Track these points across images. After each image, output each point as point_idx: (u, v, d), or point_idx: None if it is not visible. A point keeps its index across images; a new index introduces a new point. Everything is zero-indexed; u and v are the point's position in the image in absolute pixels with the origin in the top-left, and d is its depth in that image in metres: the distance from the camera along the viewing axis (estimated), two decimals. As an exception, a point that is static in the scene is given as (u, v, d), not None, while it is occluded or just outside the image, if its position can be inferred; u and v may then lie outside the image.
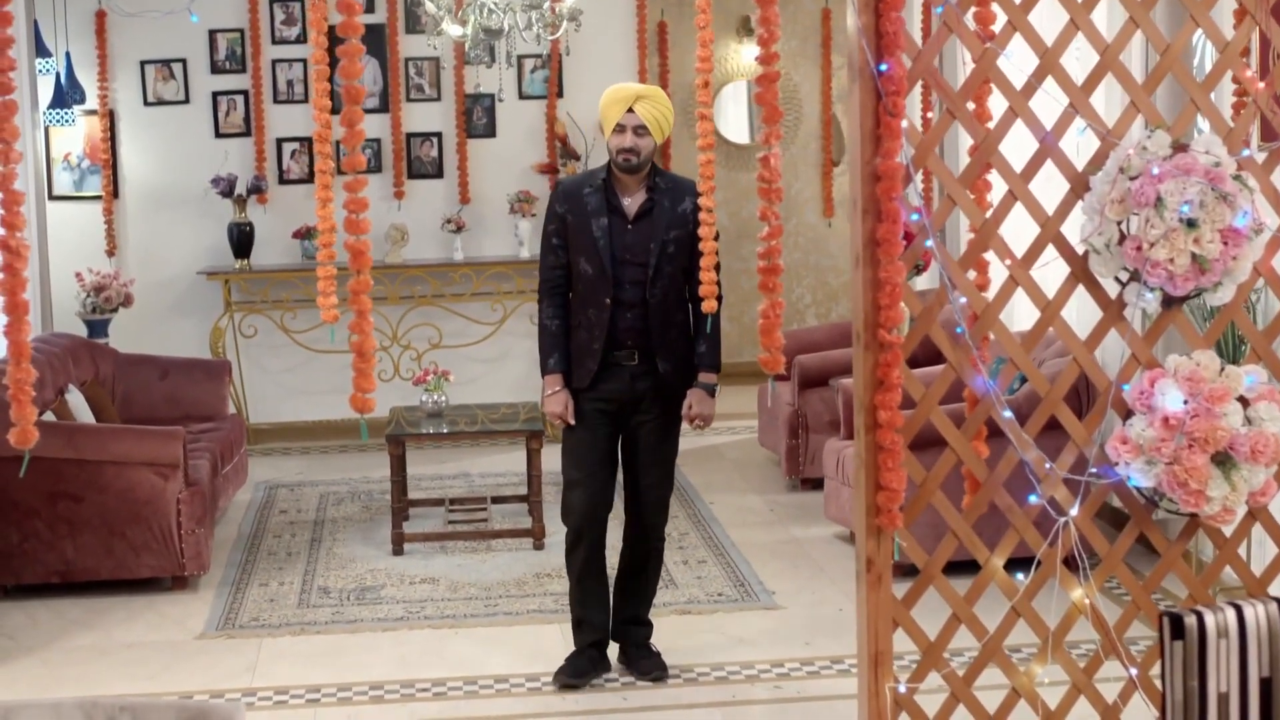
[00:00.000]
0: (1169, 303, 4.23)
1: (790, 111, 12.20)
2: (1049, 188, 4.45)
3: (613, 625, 5.92)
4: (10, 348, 4.03)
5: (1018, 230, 4.43)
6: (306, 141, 10.37)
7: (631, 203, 5.69)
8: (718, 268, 5.43)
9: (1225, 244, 4.12)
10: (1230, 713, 3.70)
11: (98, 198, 10.35)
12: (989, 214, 4.31)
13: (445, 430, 8.00)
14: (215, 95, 10.41)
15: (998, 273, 4.43)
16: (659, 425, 5.77)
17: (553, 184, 10.40)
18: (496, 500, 8.44)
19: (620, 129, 5.59)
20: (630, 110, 5.57)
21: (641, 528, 5.86)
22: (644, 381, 5.69)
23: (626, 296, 5.63)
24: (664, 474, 5.83)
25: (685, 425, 5.77)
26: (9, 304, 4.01)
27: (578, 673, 5.79)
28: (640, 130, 5.58)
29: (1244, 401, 4.18)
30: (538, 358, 5.82)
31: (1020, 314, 7.54)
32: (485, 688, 5.87)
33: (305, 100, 10.34)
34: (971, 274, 4.41)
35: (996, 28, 4.29)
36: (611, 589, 5.94)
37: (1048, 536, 4.27)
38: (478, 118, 10.63)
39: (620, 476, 5.88)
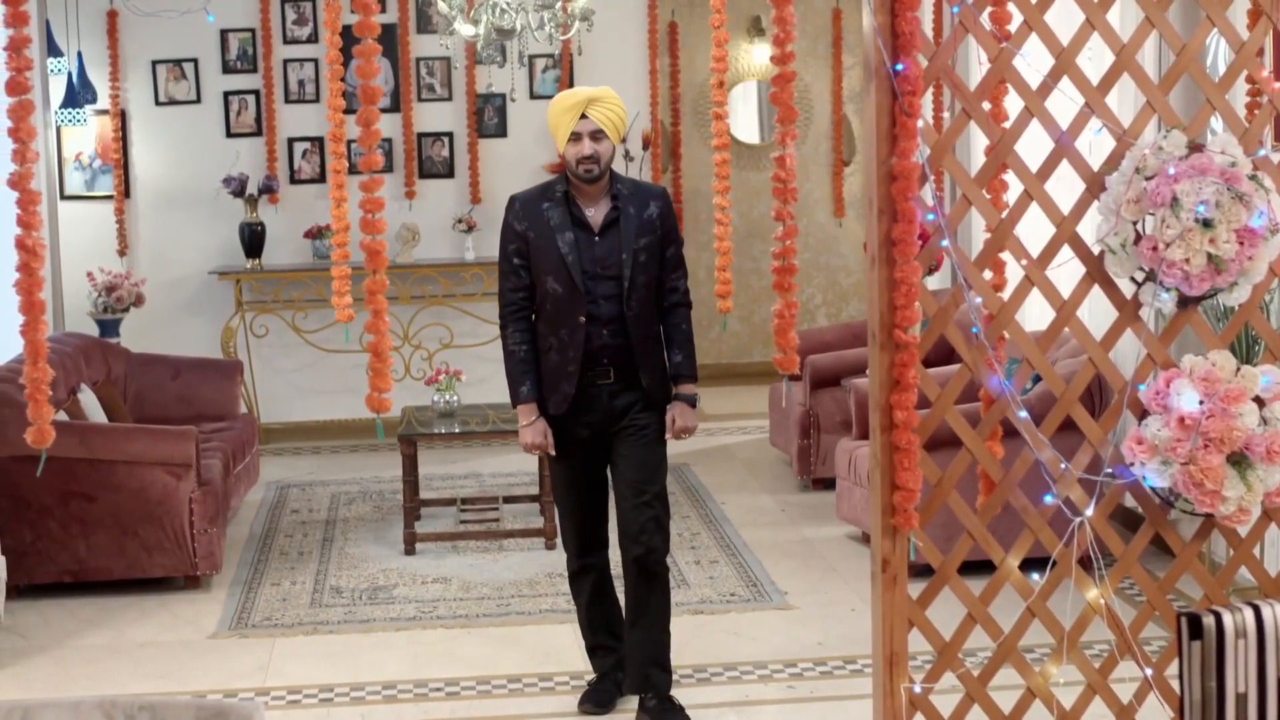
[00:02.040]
0: (1184, 303, 4.22)
1: (801, 111, 12.19)
2: (1063, 188, 4.44)
3: (628, 671, 5.56)
4: (27, 347, 4.04)
5: (1033, 230, 4.43)
6: (318, 141, 10.39)
7: (596, 213, 5.37)
8: (680, 266, 5.43)
9: (1241, 244, 4.11)
10: (1249, 713, 3.69)
11: (109, 197, 10.38)
12: (1005, 214, 4.31)
13: (457, 430, 8.01)
14: (226, 95, 10.43)
15: (1013, 273, 4.43)
16: (644, 443, 5.44)
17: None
18: (508, 500, 8.45)
19: (576, 137, 5.27)
20: (584, 116, 5.26)
21: (640, 551, 5.43)
22: (623, 399, 5.40)
23: (602, 312, 5.32)
24: (657, 492, 5.46)
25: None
26: (25, 303, 4.03)
27: (601, 701, 5.58)
28: (597, 135, 5.27)
29: (1260, 402, 4.17)
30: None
31: (1033, 314, 7.53)
32: (498, 688, 5.88)
33: (317, 100, 10.37)
34: (987, 274, 4.41)
35: (1012, 27, 4.29)
36: (622, 625, 5.65)
37: (1063, 537, 4.26)
38: (489, 117, 10.64)
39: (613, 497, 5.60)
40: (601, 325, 5.34)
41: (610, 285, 5.34)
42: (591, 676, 5.71)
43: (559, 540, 7.50)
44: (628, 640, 5.56)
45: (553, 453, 5.45)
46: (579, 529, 5.59)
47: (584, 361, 5.34)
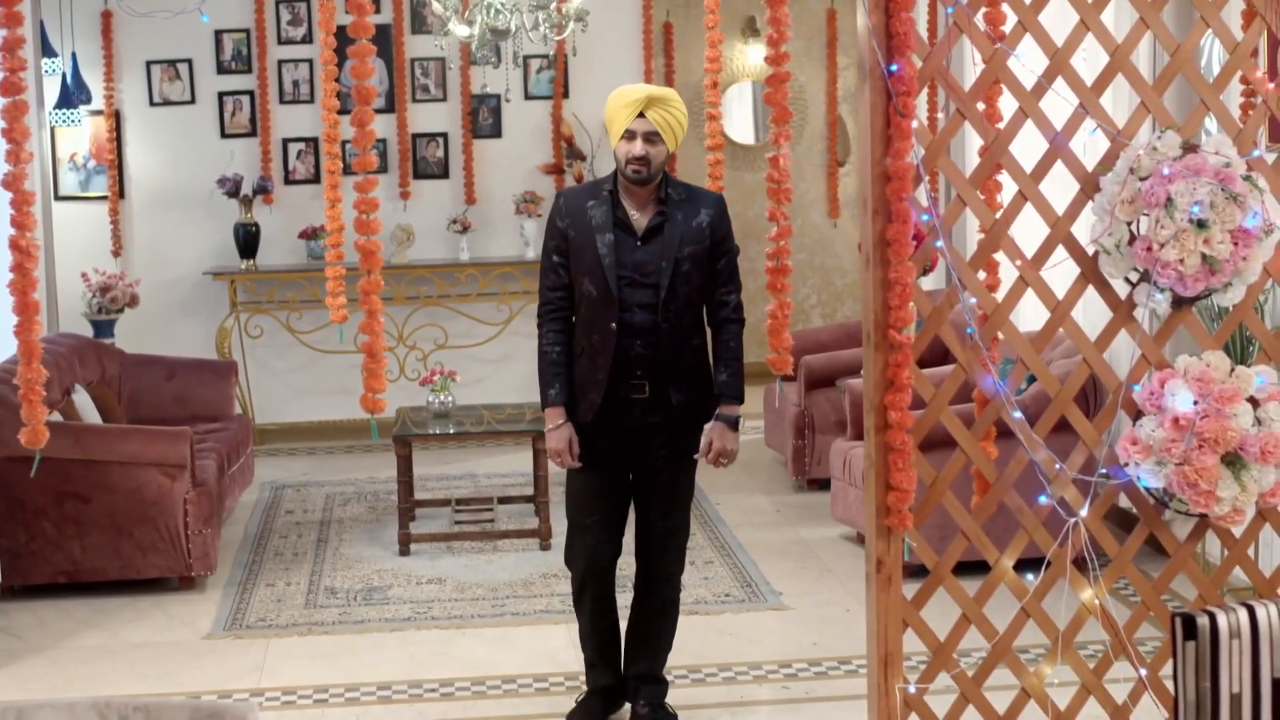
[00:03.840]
0: (1179, 303, 4.23)
1: (796, 112, 12.20)
2: (1058, 188, 4.45)
3: (623, 681, 5.47)
4: (21, 348, 4.04)
5: (1027, 231, 4.43)
6: (312, 142, 10.38)
7: (641, 217, 5.11)
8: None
9: (1235, 244, 4.12)
10: (1243, 713, 3.70)
11: (103, 198, 10.36)
12: (999, 214, 4.31)
13: (451, 431, 8.01)
14: (221, 95, 10.42)
15: (1008, 273, 4.43)
16: (673, 463, 5.22)
17: (559, 184, 10.41)
18: (503, 501, 8.45)
19: (629, 135, 5.01)
20: (641, 115, 4.99)
21: (655, 576, 5.33)
22: (656, 415, 5.13)
23: (635, 321, 5.05)
24: (680, 519, 5.29)
25: (702, 461, 5.25)
26: (19, 304, 4.02)
27: (589, 716, 5.42)
28: (652, 137, 5.01)
29: (1254, 402, 4.18)
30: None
31: (1028, 315, 7.53)
32: (493, 688, 5.87)
33: (311, 100, 10.36)
34: (982, 274, 4.41)
35: (1006, 28, 4.29)
36: (622, 640, 5.48)
37: (1057, 537, 4.27)
38: (483, 118, 10.64)
39: (631, 517, 5.38)
40: (634, 335, 5.06)
41: (648, 294, 5.07)
42: (582, 692, 5.53)
43: (554, 541, 7.55)
44: (626, 650, 5.45)
45: (574, 461, 5.18)
46: (589, 547, 5.29)
47: (614, 371, 5.08)
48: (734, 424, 5.19)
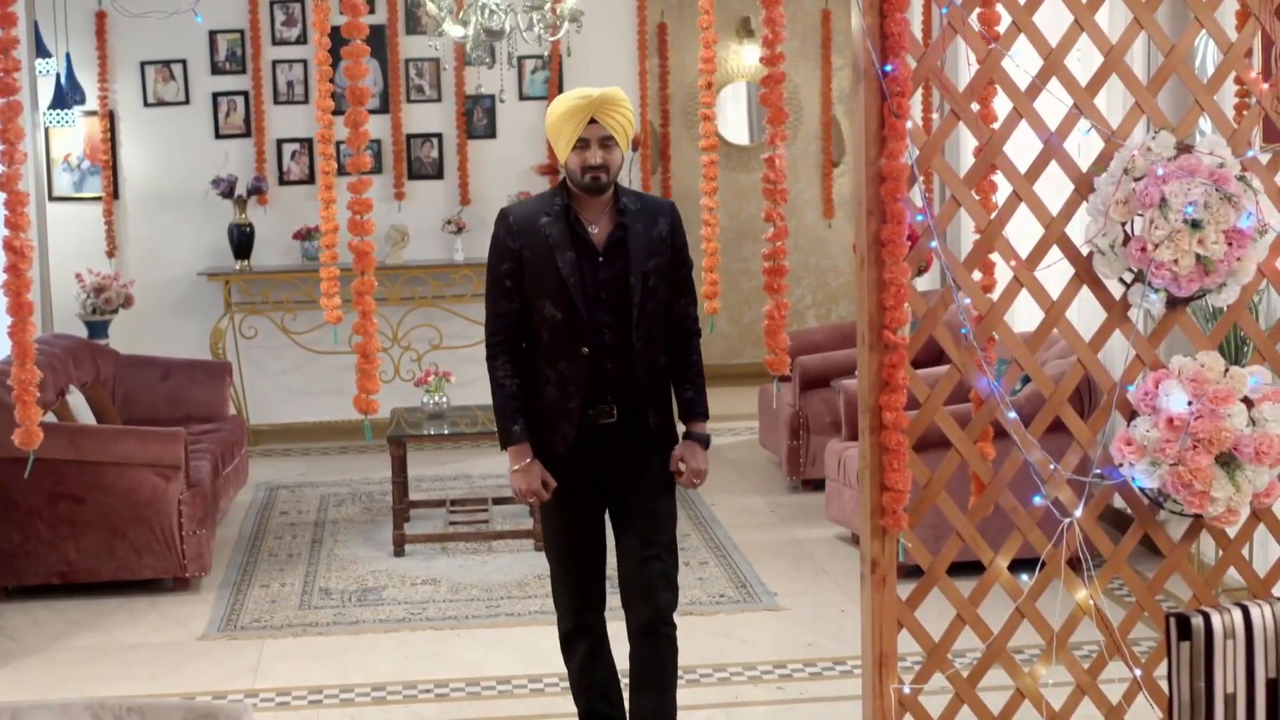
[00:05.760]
0: (1173, 304, 4.23)
1: (790, 112, 12.12)
2: (1052, 189, 4.45)
3: None
4: (15, 349, 4.04)
5: (1022, 231, 4.44)
6: (307, 142, 10.38)
7: (600, 231, 4.73)
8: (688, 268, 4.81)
9: (1229, 245, 4.12)
10: (1237, 713, 3.71)
11: (98, 199, 10.36)
12: (993, 215, 4.31)
13: (446, 431, 8.01)
14: (215, 96, 10.41)
15: (1002, 274, 4.43)
16: (652, 488, 4.82)
17: (553, 185, 10.40)
18: (497, 501, 8.44)
19: (583, 144, 4.64)
20: (592, 121, 4.63)
21: (648, 614, 4.82)
22: (627, 440, 4.76)
23: (607, 342, 4.69)
24: (668, 545, 4.85)
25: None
26: (13, 305, 4.02)
27: None
28: (607, 142, 4.64)
29: (1248, 403, 4.18)
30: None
31: (1022, 315, 7.53)
32: (488, 689, 5.87)
33: (305, 101, 10.35)
34: (976, 275, 4.41)
35: (1001, 28, 4.29)
36: (625, 690, 5.01)
37: (1052, 537, 4.27)
38: (478, 119, 10.64)
39: (613, 550, 4.94)
40: (606, 357, 4.70)
41: (615, 312, 4.71)
42: None
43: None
44: (632, 708, 5.01)
45: (547, 497, 4.81)
46: (574, 585, 4.93)
47: (585, 397, 4.73)
48: (705, 442, 4.86)
